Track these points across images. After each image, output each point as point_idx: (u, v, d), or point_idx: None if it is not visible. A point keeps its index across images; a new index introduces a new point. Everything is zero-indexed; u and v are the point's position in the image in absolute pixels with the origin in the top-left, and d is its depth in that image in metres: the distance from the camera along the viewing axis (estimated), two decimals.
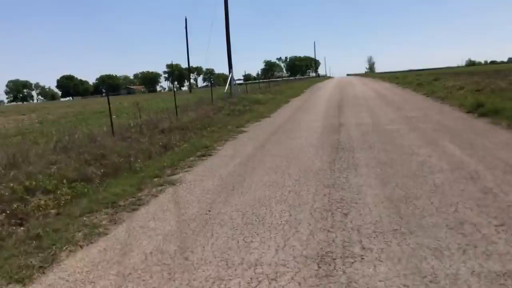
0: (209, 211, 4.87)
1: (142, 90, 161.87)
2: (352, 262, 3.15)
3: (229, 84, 25.25)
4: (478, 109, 11.07)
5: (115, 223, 4.75)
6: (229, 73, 25.56)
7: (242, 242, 3.80)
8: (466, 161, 5.99)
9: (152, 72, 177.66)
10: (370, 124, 10.66)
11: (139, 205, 5.43)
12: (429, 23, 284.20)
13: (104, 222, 4.80)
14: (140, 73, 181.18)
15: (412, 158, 6.51)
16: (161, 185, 6.35)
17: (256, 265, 3.27)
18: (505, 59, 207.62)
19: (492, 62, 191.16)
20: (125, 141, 10.99)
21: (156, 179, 6.79)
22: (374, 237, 3.60)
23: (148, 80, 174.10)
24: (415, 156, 6.65)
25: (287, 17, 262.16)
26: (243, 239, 3.87)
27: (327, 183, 5.53)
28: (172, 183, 6.42)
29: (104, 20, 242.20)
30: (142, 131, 12.53)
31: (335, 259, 3.24)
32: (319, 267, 3.13)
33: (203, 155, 8.66)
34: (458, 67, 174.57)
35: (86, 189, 6.57)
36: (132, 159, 8.74)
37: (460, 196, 4.50)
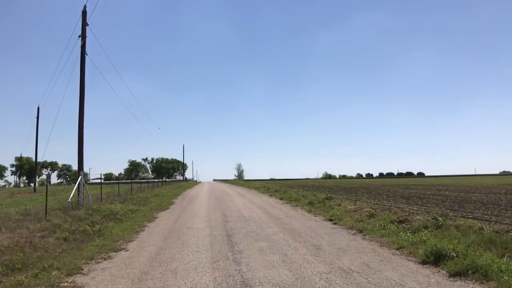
0: None
1: None
2: None
3: (76, 190, 19.28)
4: (440, 261, 7.61)
5: None
6: (79, 176, 19.72)
7: None
8: None
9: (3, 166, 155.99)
10: None
11: None
12: (287, 138, 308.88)
13: None
14: None
15: None
16: None
17: None
18: (354, 174, 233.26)
19: (344, 176, 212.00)
20: None
21: None
22: None
23: None
24: None
25: (155, 117, 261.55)
26: None
27: None
28: None
29: None
30: None
31: None
32: None
33: None
34: (316, 179, 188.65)
35: None
36: None
37: None
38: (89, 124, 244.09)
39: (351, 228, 12.52)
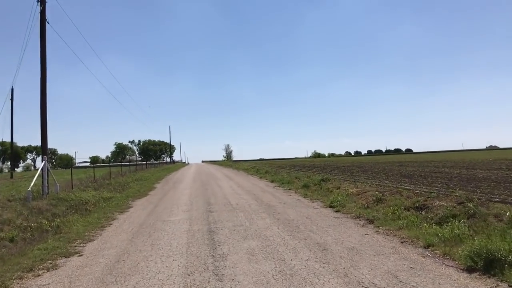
0: None
1: None
2: None
3: (39, 176, 16.92)
4: (495, 269, 5.59)
5: None
6: (42, 161, 17.36)
7: None
8: None
9: None
10: None
11: None
12: (276, 119, 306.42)
13: None
14: None
15: None
16: None
17: None
18: (343, 152, 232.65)
19: (332, 154, 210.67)
20: None
21: None
22: None
23: None
24: None
25: (142, 99, 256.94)
26: None
27: None
28: None
29: None
30: None
31: None
32: None
33: None
34: (305, 158, 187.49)
35: None
36: None
37: None
38: (75, 107, 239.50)
39: (358, 217, 10.48)
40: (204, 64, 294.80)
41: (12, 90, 49.14)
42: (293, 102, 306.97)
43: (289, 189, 18.46)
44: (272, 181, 23.65)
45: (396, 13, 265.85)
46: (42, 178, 16.89)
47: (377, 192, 12.89)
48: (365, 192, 13.61)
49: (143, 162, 68.52)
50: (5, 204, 14.58)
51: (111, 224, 11.45)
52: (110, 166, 34.33)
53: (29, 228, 10.89)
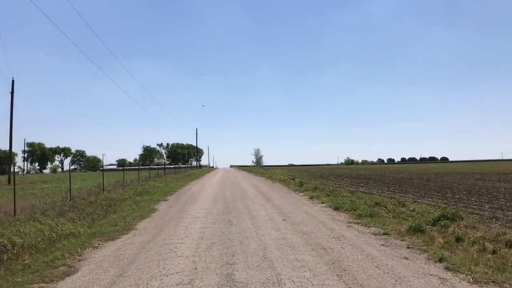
0: None
1: None
2: None
3: None
4: None
5: None
6: None
7: None
8: None
9: (4, 151, 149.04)
10: None
11: None
12: (304, 123, 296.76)
13: None
14: None
15: None
16: None
17: None
18: (374, 159, 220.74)
19: (365, 162, 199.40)
20: None
21: None
22: None
23: None
24: None
25: (169, 102, 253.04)
26: None
27: None
28: None
29: None
30: None
31: None
32: None
33: None
34: (338, 164, 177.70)
35: None
36: None
37: None
38: (107, 109, 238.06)
39: None
40: (231, 68, 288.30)
41: (13, 82, 42.90)
42: (320, 107, 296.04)
43: (385, 233, 9.84)
44: (336, 209, 14.50)
45: (426, 19, 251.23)
46: None
47: None
48: None
49: (161, 167, 61.25)
50: None
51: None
52: (103, 170, 26.83)
53: None
